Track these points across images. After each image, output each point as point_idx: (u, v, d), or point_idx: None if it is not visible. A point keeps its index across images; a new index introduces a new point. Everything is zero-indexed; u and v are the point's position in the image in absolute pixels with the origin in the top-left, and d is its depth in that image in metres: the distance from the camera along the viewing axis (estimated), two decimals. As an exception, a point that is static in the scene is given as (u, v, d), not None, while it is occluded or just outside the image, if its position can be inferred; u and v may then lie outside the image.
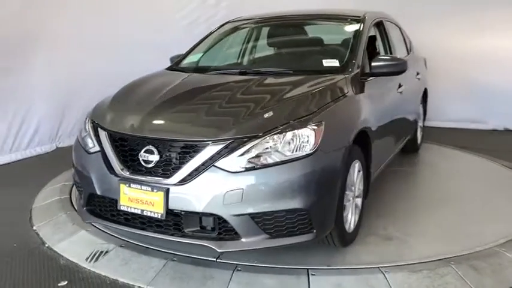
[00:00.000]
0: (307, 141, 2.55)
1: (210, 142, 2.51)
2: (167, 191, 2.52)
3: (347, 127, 2.82)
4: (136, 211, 2.62)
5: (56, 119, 5.40)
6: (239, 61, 3.95)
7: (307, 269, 2.73)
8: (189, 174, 2.50)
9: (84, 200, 2.91)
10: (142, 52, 5.26)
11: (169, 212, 2.55)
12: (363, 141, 3.11)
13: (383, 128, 3.57)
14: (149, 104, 2.95)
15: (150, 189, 2.56)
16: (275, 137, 2.52)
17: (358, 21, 3.76)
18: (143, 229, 2.68)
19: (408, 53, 4.93)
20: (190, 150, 2.53)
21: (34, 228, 3.44)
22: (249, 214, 2.47)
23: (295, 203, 2.49)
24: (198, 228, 2.58)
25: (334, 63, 3.37)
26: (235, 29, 4.18)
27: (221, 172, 2.46)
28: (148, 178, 2.59)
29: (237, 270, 2.74)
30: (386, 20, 4.46)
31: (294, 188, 2.49)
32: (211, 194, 2.46)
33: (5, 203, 3.96)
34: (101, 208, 2.85)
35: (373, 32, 3.90)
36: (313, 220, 2.57)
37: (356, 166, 3.02)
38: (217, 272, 2.73)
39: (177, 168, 2.53)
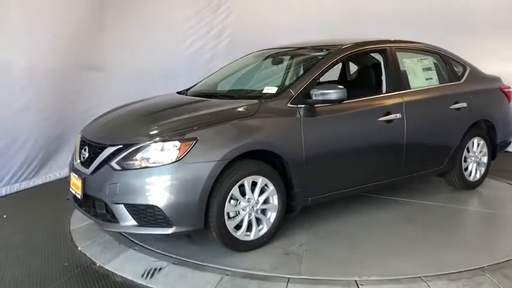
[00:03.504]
0: (173, 152, 3.14)
1: (108, 146, 3.33)
2: (84, 179, 3.43)
3: (228, 145, 3.24)
4: (74, 193, 3.59)
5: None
6: (219, 87, 4.54)
7: (355, 280, 2.99)
8: (96, 168, 3.36)
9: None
10: (155, 80, 5.92)
11: (86, 195, 3.43)
12: (276, 160, 3.47)
13: (338, 153, 3.77)
14: (107, 118, 3.90)
15: (77, 176, 3.51)
16: (152, 146, 3.19)
17: (329, 52, 4.02)
18: (81, 207, 3.61)
19: (450, 82, 4.70)
20: (99, 151, 3.40)
21: (79, 248, 3.62)
22: (123, 203, 3.20)
23: (151, 200, 3.12)
24: (104, 211, 3.40)
25: (272, 90, 3.74)
26: (241, 60, 4.79)
27: (110, 169, 3.26)
28: (81, 168, 3.54)
29: (290, 282, 3.00)
30: (403, 48, 4.46)
31: (153, 188, 3.13)
32: (102, 184, 3.28)
33: (42, 225, 4.15)
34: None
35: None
36: (171, 217, 3.13)
37: (259, 181, 3.39)
38: (272, 285, 2.99)
39: (91, 163, 3.41)
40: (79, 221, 4.03)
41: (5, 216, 4.39)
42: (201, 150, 3.17)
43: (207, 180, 3.15)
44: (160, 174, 3.12)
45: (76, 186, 3.53)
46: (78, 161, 3.63)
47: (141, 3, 6.06)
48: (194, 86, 4.60)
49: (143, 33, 5.97)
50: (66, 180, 3.80)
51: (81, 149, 3.68)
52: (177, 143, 3.16)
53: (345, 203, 4.23)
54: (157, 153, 3.17)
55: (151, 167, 3.15)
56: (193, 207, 3.15)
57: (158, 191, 3.12)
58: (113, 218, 3.29)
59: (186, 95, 4.34)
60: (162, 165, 3.13)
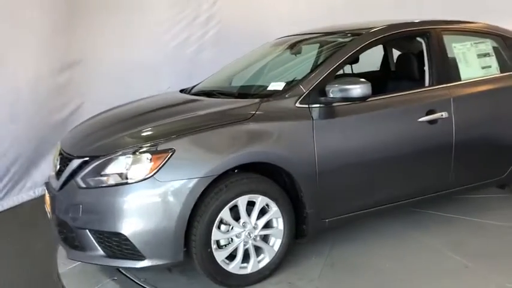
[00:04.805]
0: (145, 166, 2.53)
1: (74, 158, 2.77)
2: (53, 197, 2.89)
3: (213, 158, 2.59)
4: (47, 211, 3.07)
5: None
6: (233, 82, 3.84)
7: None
8: (63, 184, 2.80)
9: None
10: (135, 75, 5.13)
11: (55, 214, 2.90)
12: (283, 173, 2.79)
13: (364, 164, 3.03)
14: (86, 124, 3.35)
15: (48, 193, 2.99)
16: (120, 159, 2.59)
17: (352, 38, 3.27)
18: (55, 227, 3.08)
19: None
20: (67, 162, 2.84)
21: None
22: (87, 229, 2.63)
23: (116, 227, 2.53)
24: (74, 236, 2.84)
25: (279, 86, 3.04)
26: (259, 50, 4.08)
27: (75, 186, 2.69)
28: (53, 182, 2.99)
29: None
30: (452, 30, 3.61)
31: (117, 212, 2.53)
32: (66, 204, 2.73)
33: (21, 268, 3.25)
34: None
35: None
36: (140, 248, 2.53)
37: (257, 201, 2.73)
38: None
39: (60, 177, 2.87)
40: (69, 260, 2.91)
41: None
42: (178, 164, 2.54)
43: (185, 202, 2.52)
44: (126, 194, 2.52)
45: (47, 204, 3.01)
46: (53, 173, 3.11)
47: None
48: (201, 82, 3.96)
49: (124, 26, 5.13)
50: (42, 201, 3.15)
51: (57, 159, 3.16)
52: (149, 155, 2.54)
53: (377, 221, 3.48)
54: (126, 168, 2.57)
55: (117, 185, 2.55)
56: (168, 236, 2.53)
57: (124, 216, 2.53)
58: (80, 245, 2.73)
59: (189, 93, 3.71)
60: (130, 184, 2.53)
